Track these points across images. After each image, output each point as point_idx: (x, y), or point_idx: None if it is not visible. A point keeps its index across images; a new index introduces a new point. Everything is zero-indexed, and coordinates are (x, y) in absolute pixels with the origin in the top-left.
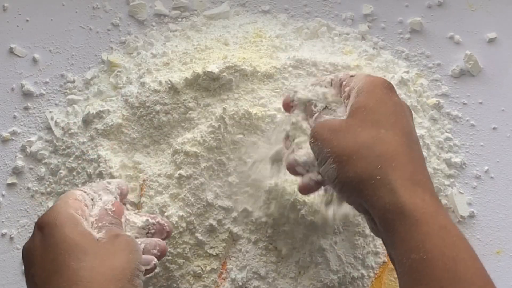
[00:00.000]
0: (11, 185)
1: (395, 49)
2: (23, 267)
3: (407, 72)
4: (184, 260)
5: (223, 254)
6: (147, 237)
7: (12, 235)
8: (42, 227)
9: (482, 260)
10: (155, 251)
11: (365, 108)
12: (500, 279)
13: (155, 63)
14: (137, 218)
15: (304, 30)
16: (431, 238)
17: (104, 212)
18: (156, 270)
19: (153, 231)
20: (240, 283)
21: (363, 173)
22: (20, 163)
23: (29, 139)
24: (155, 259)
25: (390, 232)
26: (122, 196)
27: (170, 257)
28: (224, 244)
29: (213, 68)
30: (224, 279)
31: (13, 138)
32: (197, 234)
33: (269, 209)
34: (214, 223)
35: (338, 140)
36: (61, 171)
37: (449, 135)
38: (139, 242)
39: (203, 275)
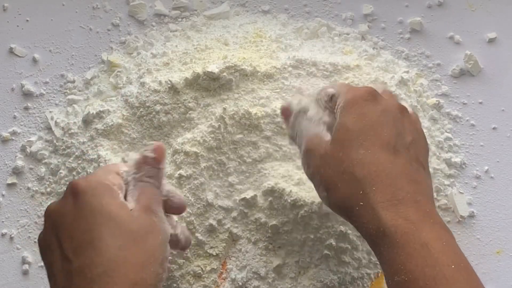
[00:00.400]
0: (11, 185)
1: (395, 49)
2: (23, 267)
3: (407, 72)
4: (184, 260)
5: (223, 254)
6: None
7: (12, 235)
8: (77, 193)
9: (482, 260)
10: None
11: (344, 129)
12: (500, 279)
13: (155, 63)
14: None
15: (304, 30)
16: (412, 259)
17: (142, 159)
18: None
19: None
20: (240, 283)
21: (348, 200)
22: (20, 163)
23: (29, 139)
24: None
25: (377, 255)
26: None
27: (170, 257)
28: (224, 244)
29: (213, 68)
30: (224, 279)
31: (13, 138)
32: (197, 234)
33: (269, 209)
34: (214, 223)
35: (325, 167)
36: (61, 171)
37: (449, 135)
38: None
39: (203, 275)
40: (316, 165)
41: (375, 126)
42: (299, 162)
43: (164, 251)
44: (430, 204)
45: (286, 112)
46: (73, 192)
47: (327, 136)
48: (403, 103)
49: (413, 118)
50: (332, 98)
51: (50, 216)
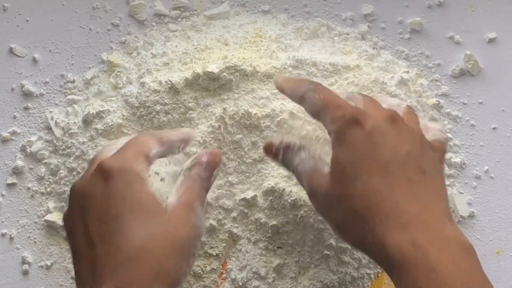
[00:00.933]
0: (11, 185)
1: (395, 49)
2: (23, 267)
3: (407, 72)
4: None
5: (223, 254)
6: None
7: (12, 235)
8: (108, 176)
9: (482, 260)
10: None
11: (338, 164)
12: (500, 279)
13: (155, 63)
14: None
15: (304, 30)
16: (419, 285)
17: (197, 164)
18: None
19: None
20: (240, 283)
21: (357, 239)
22: (20, 163)
23: (29, 139)
24: None
25: (395, 286)
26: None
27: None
28: (224, 244)
29: (213, 68)
30: (224, 279)
31: (13, 138)
32: None
33: (269, 209)
34: (214, 223)
35: (330, 208)
36: (61, 171)
37: (449, 135)
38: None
39: (203, 275)
40: (322, 206)
41: (366, 152)
42: None
43: (193, 247)
44: (441, 218)
45: (268, 150)
46: (104, 174)
47: (325, 169)
48: (390, 102)
49: (405, 122)
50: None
51: (78, 196)
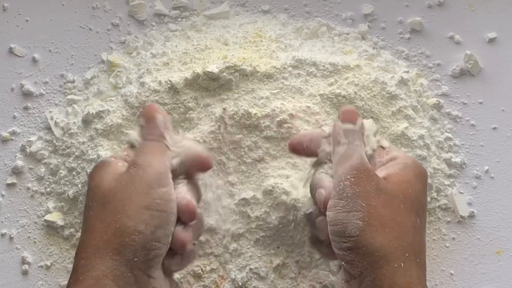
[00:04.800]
0: (11, 185)
1: (395, 49)
2: (23, 267)
3: (407, 72)
4: None
5: (223, 254)
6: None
7: (12, 235)
8: (91, 176)
9: (482, 260)
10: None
11: (409, 188)
12: (500, 279)
13: (155, 63)
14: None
15: (304, 30)
16: None
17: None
18: None
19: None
20: (240, 283)
21: (390, 251)
22: (20, 163)
23: (29, 139)
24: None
25: None
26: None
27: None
28: (224, 244)
29: (213, 68)
30: (224, 279)
31: (13, 138)
32: None
33: (269, 209)
34: (214, 223)
35: (377, 201)
36: (61, 171)
37: (449, 135)
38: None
39: (203, 275)
40: (369, 192)
41: (425, 207)
42: (299, 162)
43: (137, 200)
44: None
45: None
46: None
47: (373, 168)
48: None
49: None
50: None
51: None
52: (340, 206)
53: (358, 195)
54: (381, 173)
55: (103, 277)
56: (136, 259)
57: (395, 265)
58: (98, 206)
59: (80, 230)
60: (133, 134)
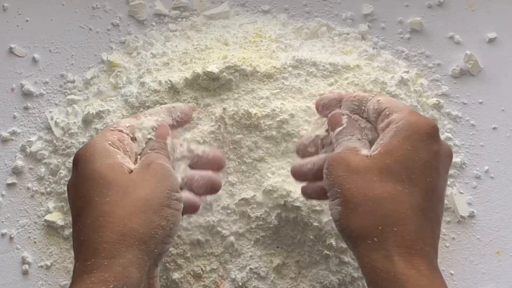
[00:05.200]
0: (11, 185)
1: (395, 49)
2: (23, 267)
3: (407, 72)
4: (184, 260)
5: (223, 254)
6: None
7: (12, 235)
8: (76, 163)
9: (482, 260)
10: (202, 187)
11: (392, 155)
12: (500, 279)
13: (155, 63)
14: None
15: (304, 30)
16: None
17: (146, 137)
18: None
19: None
20: (240, 283)
21: (363, 229)
22: (20, 163)
23: (29, 139)
24: (200, 201)
25: None
26: (183, 121)
27: (170, 257)
28: (224, 244)
29: (213, 68)
30: (224, 279)
31: (13, 138)
32: (197, 234)
33: (269, 209)
34: (214, 223)
35: (350, 183)
36: (61, 171)
37: (449, 135)
38: (182, 176)
39: (203, 275)
40: (341, 176)
41: (424, 167)
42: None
43: (161, 197)
44: (436, 259)
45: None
46: (74, 163)
47: (364, 150)
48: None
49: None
50: (377, 109)
51: (67, 191)
52: (329, 198)
53: (334, 182)
54: (376, 146)
55: (129, 265)
56: (156, 250)
57: (369, 242)
58: (115, 193)
59: (82, 212)
60: (148, 123)
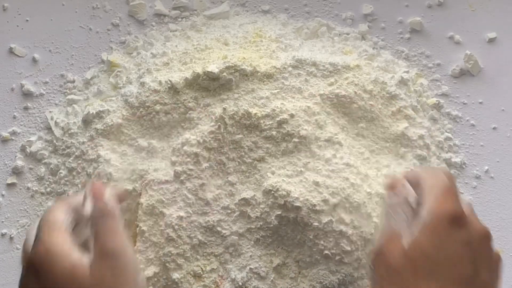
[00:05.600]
0: (11, 185)
1: (395, 49)
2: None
3: (407, 72)
4: (184, 260)
5: (223, 254)
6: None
7: (12, 235)
8: (35, 272)
9: None
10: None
11: (422, 252)
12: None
13: (155, 63)
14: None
15: (304, 30)
16: None
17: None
18: (156, 270)
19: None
20: (240, 283)
21: None
22: (20, 163)
23: (29, 139)
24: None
25: None
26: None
27: (170, 257)
28: (224, 244)
29: (213, 68)
30: (224, 279)
31: (13, 138)
32: (197, 234)
33: (269, 209)
34: (214, 223)
35: (390, 285)
36: (61, 171)
37: (449, 135)
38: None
39: (203, 275)
40: (382, 276)
41: (453, 258)
42: (299, 162)
43: (128, 281)
44: None
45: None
46: (33, 272)
47: (406, 234)
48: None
49: (494, 253)
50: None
51: None
52: None
53: (376, 281)
54: (411, 236)
55: None
56: None
57: None
58: None
59: None
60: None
